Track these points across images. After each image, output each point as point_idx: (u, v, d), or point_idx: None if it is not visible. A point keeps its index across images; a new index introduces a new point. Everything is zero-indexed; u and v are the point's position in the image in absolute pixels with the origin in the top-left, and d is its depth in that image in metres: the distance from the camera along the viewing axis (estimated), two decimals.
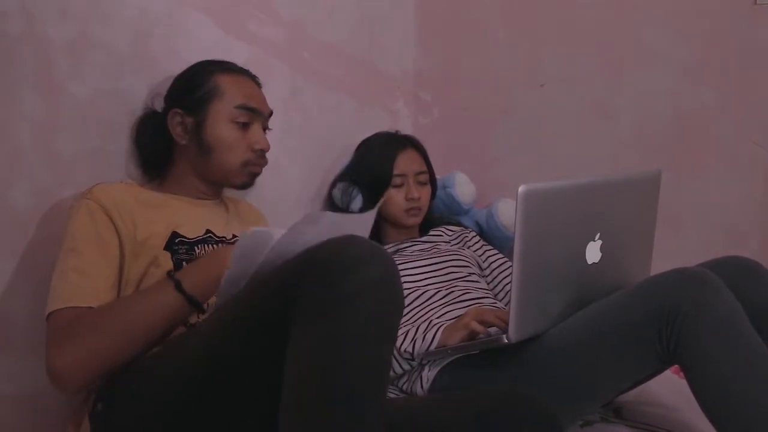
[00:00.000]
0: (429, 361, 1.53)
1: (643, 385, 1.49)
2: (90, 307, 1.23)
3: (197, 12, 1.73)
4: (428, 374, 1.51)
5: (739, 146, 1.88)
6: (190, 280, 1.24)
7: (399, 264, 1.81)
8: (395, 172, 1.90)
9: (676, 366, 1.30)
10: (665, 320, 1.23)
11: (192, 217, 1.46)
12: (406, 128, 2.32)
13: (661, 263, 1.46)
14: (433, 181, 2.02)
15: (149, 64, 1.62)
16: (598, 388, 1.34)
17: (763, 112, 1.85)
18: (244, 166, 1.51)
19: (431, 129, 2.42)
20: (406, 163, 1.92)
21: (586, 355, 1.31)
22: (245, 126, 1.50)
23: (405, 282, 1.77)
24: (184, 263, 1.35)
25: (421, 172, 1.95)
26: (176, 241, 1.39)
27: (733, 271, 1.35)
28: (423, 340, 1.55)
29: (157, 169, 1.58)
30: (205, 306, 1.26)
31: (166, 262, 1.35)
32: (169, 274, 1.26)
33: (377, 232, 1.97)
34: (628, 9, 2.03)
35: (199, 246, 1.42)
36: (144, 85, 1.61)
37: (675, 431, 1.45)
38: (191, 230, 1.43)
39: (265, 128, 1.56)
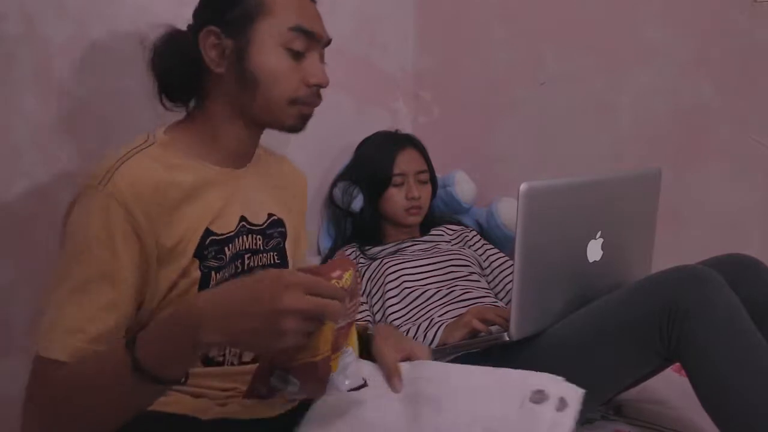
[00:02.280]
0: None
1: (644, 383, 1.49)
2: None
3: None
4: None
5: (740, 143, 1.88)
6: (145, 343, 0.92)
7: (400, 263, 1.82)
8: (395, 171, 1.90)
9: (677, 364, 1.30)
10: (666, 318, 1.23)
11: (227, 199, 1.20)
12: (406, 127, 2.32)
13: (661, 261, 1.46)
14: (433, 180, 2.02)
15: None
16: (599, 386, 1.34)
17: (763, 110, 1.85)
18: (293, 104, 1.20)
19: (431, 128, 2.42)
20: (406, 162, 1.92)
21: (587, 353, 1.31)
22: (298, 55, 1.20)
23: (406, 281, 1.77)
24: (212, 274, 1.15)
25: (422, 171, 1.95)
26: (207, 242, 1.15)
27: (733, 268, 1.35)
28: (424, 339, 1.55)
29: (184, 104, 1.27)
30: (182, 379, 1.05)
31: (195, 271, 1.13)
32: (128, 344, 0.93)
33: (378, 232, 1.97)
34: (629, 7, 2.02)
35: (231, 245, 1.19)
36: (143, 85, 1.61)
37: (676, 429, 1.45)
38: (225, 222, 1.19)
39: (322, 59, 1.27)
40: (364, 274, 1.85)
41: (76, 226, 1.08)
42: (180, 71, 1.22)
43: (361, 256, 1.91)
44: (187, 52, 1.20)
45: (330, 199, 2.08)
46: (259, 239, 1.25)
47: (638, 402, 1.54)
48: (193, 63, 1.20)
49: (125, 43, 1.57)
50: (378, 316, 1.79)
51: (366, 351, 1.19)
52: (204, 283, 1.14)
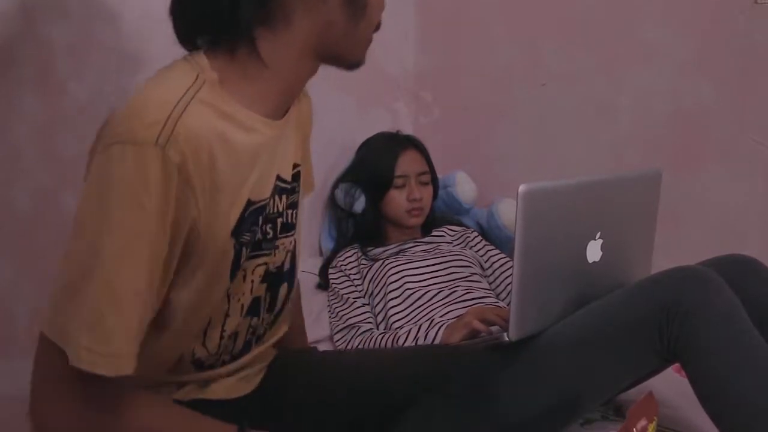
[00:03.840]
0: None
1: (643, 383, 1.48)
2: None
3: None
4: None
5: (739, 144, 1.88)
6: None
7: (401, 264, 1.82)
8: (397, 173, 1.91)
9: (677, 364, 1.30)
10: (666, 318, 1.23)
11: (270, 161, 1.03)
12: (406, 128, 2.32)
13: (661, 261, 1.46)
14: (434, 181, 2.02)
15: (150, 65, 1.62)
16: (599, 386, 1.34)
17: (762, 110, 1.85)
18: (372, 33, 1.07)
19: (432, 128, 2.42)
20: (407, 163, 1.92)
21: (587, 354, 1.31)
22: None
23: (407, 282, 1.77)
24: (244, 250, 1.01)
25: (423, 173, 1.95)
26: (246, 214, 0.99)
27: (733, 268, 1.35)
28: (425, 339, 1.55)
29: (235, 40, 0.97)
30: None
31: (228, 253, 0.98)
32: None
33: (380, 233, 1.98)
34: (629, 7, 2.02)
35: (265, 211, 1.04)
36: None
37: (676, 429, 1.45)
38: (263, 186, 1.03)
39: None
40: (366, 275, 1.86)
41: (116, 198, 0.84)
42: None
43: (363, 257, 1.91)
44: None
45: (332, 201, 2.08)
46: (285, 198, 1.12)
47: None
48: None
49: (127, 43, 1.57)
50: (380, 317, 1.79)
51: None
52: (235, 263, 1.01)
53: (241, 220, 0.98)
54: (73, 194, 1.46)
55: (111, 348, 0.84)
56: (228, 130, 0.94)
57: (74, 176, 1.47)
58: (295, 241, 1.17)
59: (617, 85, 2.06)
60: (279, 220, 1.10)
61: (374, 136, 2.05)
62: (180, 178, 0.86)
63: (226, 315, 1.06)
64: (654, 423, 0.97)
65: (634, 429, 0.95)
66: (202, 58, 0.97)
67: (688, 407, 1.45)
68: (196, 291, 0.97)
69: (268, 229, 1.08)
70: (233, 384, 1.13)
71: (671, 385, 1.54)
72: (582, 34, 2.11)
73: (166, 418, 0.94)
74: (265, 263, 1.09)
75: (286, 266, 1.16)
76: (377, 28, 1.07)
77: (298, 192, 1.16)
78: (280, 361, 1.24)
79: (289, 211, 1.13)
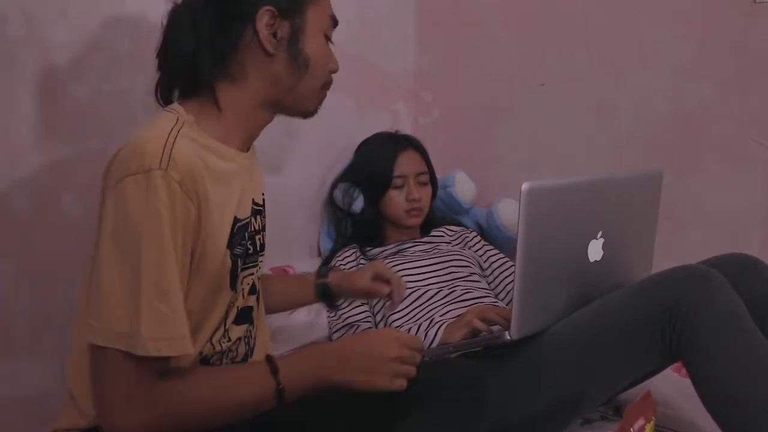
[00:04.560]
0: (431, 358, 1.52)
1: (644, 383, 1.48)
2: (167, 358, 1.02)
3: None
4: None
5: (739, 144, 1.89)
6: (286, 372, 1.08)
7: (400, 264, 1.82)
8: (396, 173, 1.90)
9: (678, 364, 1.30)
10: (667, 317, 1.23)
11: (245, 184, 1.20)
12: (406, 128, 2.32)
13: (662, 260, 1.46)
14: (433, 181, 2.02)
15: (149, 66, 1.62)
16: (599, 386, 1.34)
17: (762, 110, 1.85)
18: (322, 89, 1.25)
19: (431, 129, 2.42)
20: (406, 163, 1.92)
21: (588, 353, 1.31)
22: (328, 41, 1.25)
23: (407, 282, 1.76)
24: (238, 261, 1.17)
25: (422, 173, 1.95)
26: (235, 229, 1.16)
27: (734, 267, 1.35)
28: (425, 338, 1.55)
29: (203, 89, 1.17)
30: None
31: (227, 260, 1.14)
32: (268, 358, 1.10)
33: (379, 233, 1.97)
34: (628, 8, 2.03)
35: (248, 229, 1.22)
36: (143, 86, 1.61)
37: (676, 429, 1.45)
38: (244, 206, 1.20)
39: None
40: None
41: (140, 216, 1.00)
42: (208, 48, 1.15)
43: (362, 257, 1.91)
44: (219, 28, 1.15)
45: (330, 201, 2.08)
46: (260, 219, 1.29)
47: None
48: (226, 40, 1.15)
49: (125, 44, 1.57)
50: (378, 317, 1.79)
51: None
52: (233, 273, 1.16)
53: (232, 234, 1.14)
54: (72, 195, 1.46)
55: (171, 332, 1.00)
56: (209, 159, 1.10)
57: (74, 177, 1.48)
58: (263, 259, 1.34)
59: (617, 85, 2.06)
60: (257, 238, 1.27)
61: (373, 136, 2.05)
62: (182, 191, 1.01)
63: (226, 322, 1.19)
64: (651, 423, 0.97)
65: (632, 429, 0.95)
66: (177, 107, 1.15)
67: (689, 407, 1.45)
68: (201, 300, 1.11)
69: (250, 246, 1.24)
70: None
71: (672, 384, 1.54)
72: (581, 34, 2.12)
73: (221, 379, 1.08)
74: (252, 275, 1.25)
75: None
76: (327, 85, 1.25)
77: (265, 216, 1.32)
78: None
79: (263, 233, 1.31)
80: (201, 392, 1.05)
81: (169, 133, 1.05)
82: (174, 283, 1.01)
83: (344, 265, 1.88)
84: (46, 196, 1.44)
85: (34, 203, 1.42)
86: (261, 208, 1.29)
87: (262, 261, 1.31)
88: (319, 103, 1.27)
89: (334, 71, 1.26)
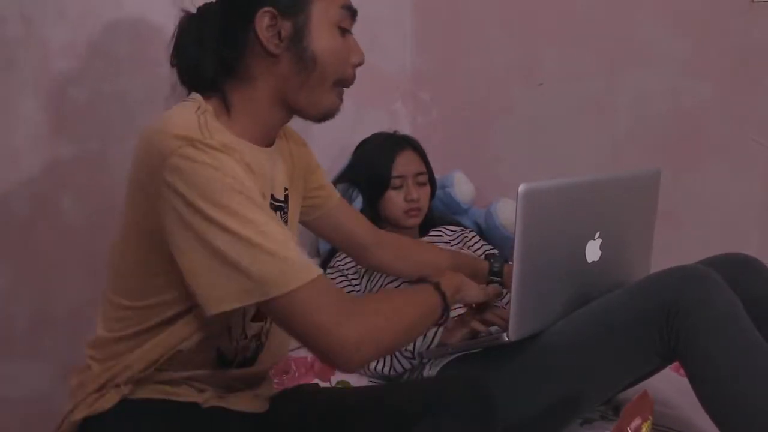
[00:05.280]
0: (430, 360, 1.53)
1: (643, 383, 1.49)
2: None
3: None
4: (429, 373, 1.51)
5: (737, 143, 1.89)
6: (444, 284, 1.24)
7: None
8: (394, 173, 1.90)
9: (676, 363, 1.30)
10: (665, 317, 1.23)
11: (265, 175, 1.19)
12: (404, 128, 2.32)
13: (660, 260, 1.46)
14: (432, 181, 2.02)
15: (147, 67, 1.62)
16: (598, 386, 1.34)
17: (760, 109, 1.85)
18: (336, 85, 1.21)
19: (430, 129, 2.42)
20: (404, 164, 1.92)
21: (586, 353, 1.31)
22: (345, 34, 1.19)
23: (405, 282, 1.77)
24: None
25: (420, 173, 1.95)
26: None
27: (732, 267, 1.35)
28: (424, 338, 1.55)
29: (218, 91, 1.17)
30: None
31: None
32: (424, 280, 1.25)
33: None
34: (626, 7, 2.03)
35: None
36: (142, 87, 1.61)
37: (676, 429, 1.45)
38: (265, 198, 1.19)
39: None
40: (363, 274, 1.86)
41: (209, 184, 0.99)
42: (219, 55, 1.15)
43: None
44: (225, 32, 1.15)
45: None
46: (280, 215, 1.26)
47: None
48: (233, 45, 1.15)
49: (123, 45, 1.57)
50: None
51: None
52: None
53: None
54: (71, 197, 1.46)
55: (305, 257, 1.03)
56: (237, 144, 1.08)
57: (73, 178, 1.48)
58: None
59: (615, 85, 2.06)
60: None
61: (371, 136, 2.05)
62: (237, 161, 1.01)
63: (245, 318, 1.18)
64: (648, 422, 0.97)
65: (628, 428, 0.95)
66: (197, 95, 1.14)
67: (687, 407, 1.45)
68: None
69: None
70: (248, 398, 1.22)
71: (670, 384, 1.54)
72: (579, 33, 2.12)
73: (398, 298, 1.17)
74: None
75: None
76: (342, 81, 1.20)
77: (287, 212, 1.29)
78: (285, 391, 1.34)
79: None
80: (389, 306, 1.10)
81: (196, 112, 1.06)
82: (274, 217, 1.04)
83: (343, 265, 1.88)
84: (45, 196, 1.44)
85: (34, 204, 1.43)
86: (280, 204, 1.26)
87: None
88: (335, 101, 1.22)
89: (357, 65, 1.21)
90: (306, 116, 1.22)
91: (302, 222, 1.44)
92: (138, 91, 1.60)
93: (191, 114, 1.05)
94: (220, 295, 0.99)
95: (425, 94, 2.45)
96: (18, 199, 1.40)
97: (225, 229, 0.97)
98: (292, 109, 1.20)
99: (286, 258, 0.99)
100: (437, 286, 1.22)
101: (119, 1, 1.56)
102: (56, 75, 1.45)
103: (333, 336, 1.00)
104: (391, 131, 2.07)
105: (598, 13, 2.08)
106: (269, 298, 0.98)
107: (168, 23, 1.65)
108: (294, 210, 1.34)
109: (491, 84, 2.30)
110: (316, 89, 1.18)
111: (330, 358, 1.02)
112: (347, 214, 1.53)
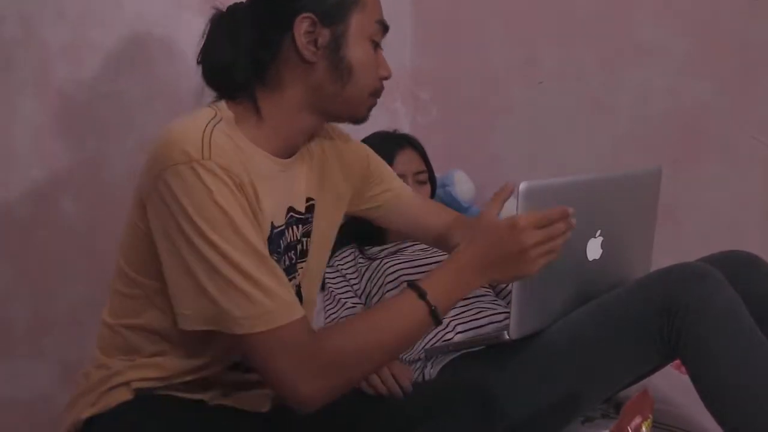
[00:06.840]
0: (431, 358, 1.53)
1: (644, 381, 1.49)
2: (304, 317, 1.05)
3: (194, 14, 1.73)
4: (430, 371, 1.51)
5: (738, 141, 1.88)
6: (434, 292, 1.09)
7: (399, 263, 1.81)
8: (394, 172, 1.90)
9: (678, 362, 1.30)
10: (666, 315, 1.23)
11: (279, 191, 1.18)
12: (404, 127, 2.32)
13: (661, 258, 1.46)
14: (432, 179, 2.02)
15: (146, 67, 1.62)
16: (599, 384, 1.34)
17: (761, 107, 1.85)
18: (371, 96, 1.22)
19: (430, 127, 2.42)
20: (404, 163, 1.92)
21: (587, 351, 1.31)
22: (377, 48, 1.21)
23: (405, 281, 1.76)
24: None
25: (420, 172, 1.94)
26: (273, 235, 1.15)
27: (733, 265, 1.35)
28: (423, 337, 1.55)
29: (243, 94, 1.16)
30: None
31: None
32: (410, 284, 1.11)
33: (378, 232, 1.97)
34: (626, 5, 2.03)
35: (283, 237, 1.20)
36: (141, 87, 1.61)
37: (677, 427, 1.45)
38: (279, 213, 1.18)
39: None
40: (363, 274, 1.85)
41: (196, 205, 1.00)
42: (247, 56, 1.14)
43: (360, 256, 1.91)
44: (260, 36, 1.14)
45: None
46: (300, 227, 1.27)
47: None
48: (267, 48, 1.14)
49: (122, 46, 1.57)
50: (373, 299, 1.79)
51: None
52: None
53: (270, 239, 1.13)
54: (70, 197, 1.46)
55: (290, 293, 1.04)
56: (243, 155, 1.07)
57: (71, 178, 1.48)
58: (306, 265, 1.30)
59: (615, 83, 2.06)
60: (298, 247, 1.25)
61: (371, 135, 2.04)
62: (229, 176, 1.01)
63: None
64: (649, 420, 0.97)
65: (629, 427, 0.95)
66: (221, 102, 1.14)
67: (688, 405, 1.45)
68: None
69: (292, 255, 1.23)
70: (254, 397, 1.22)
71: (672, 382, 1.54)
72: (579, 32, 2.12)
73: (373, 319, 1.10)
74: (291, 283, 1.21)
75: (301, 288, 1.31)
76: (376, 92, 1.21)
77: (311, 222, 1.29)
78: None
79: (304, 239, 1.28)
80: (360, 336, 1.06)
81: (206, 125, 1.05)
82: (262, 247, 1.03)
83: (342, 265, 1.88)
84: (43, 197, 1.45)
85: (32, 204, 1.43)
86: (302, 216, 1.26)
87: (302, 268, 1.28)
88: (369, 109, 1.24)
89: (385, 78, 1.23)
90: (340, 121, 1.27)
91: (370, 218, 1.47)
92: (136, 92, 1.60)
93: (200, 127, 1.04)
94: (188, 314, 1.02)
95: (425, 93, 2.45)
96: (16, 199, 1.40)
97: (202, 258, 0.99)
98: (324, 116, 1.21)
99: (255, 301, 1.00)
100: (422, 296, 1.08)
101: (119, 1, 1.56)
102: (55, 75, 1.45)
103: (289, 390, 1.02)
104: (391, 130, 2.07)
105: (598, 11, 2.07)
106: (232, 333, 1.00)
107: (166, 23, 1.66)
108: (324, 219, 1.33)
109: (491, 83, 2.30)
110: (351, 99, 1.19)
111: (287, 402, 1.05)
112: (420, 207, 1.53)
